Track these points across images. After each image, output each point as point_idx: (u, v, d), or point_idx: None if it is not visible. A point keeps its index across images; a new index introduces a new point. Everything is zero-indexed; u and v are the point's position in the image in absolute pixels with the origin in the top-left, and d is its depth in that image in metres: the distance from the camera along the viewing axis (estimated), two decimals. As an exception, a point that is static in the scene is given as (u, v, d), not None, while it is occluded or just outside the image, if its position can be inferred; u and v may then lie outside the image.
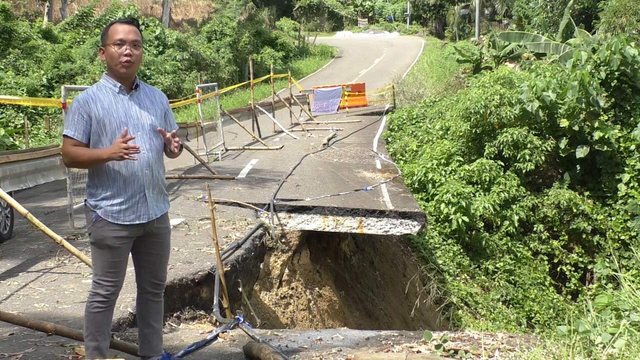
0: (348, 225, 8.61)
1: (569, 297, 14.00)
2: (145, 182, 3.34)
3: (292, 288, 8.29)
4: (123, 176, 3.28)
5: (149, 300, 3.52)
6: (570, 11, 26.75)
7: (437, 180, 14.34)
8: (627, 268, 13.42)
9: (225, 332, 4.46)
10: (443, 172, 14.70)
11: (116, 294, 3.37)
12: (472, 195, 13.80)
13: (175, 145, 3.39)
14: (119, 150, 3.15)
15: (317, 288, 8.92)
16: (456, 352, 3.80)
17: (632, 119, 15.07)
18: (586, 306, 10.57)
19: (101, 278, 3.31)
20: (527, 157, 14.53)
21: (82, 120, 3.24)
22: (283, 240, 8.35)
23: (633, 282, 11.84)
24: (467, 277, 13.12)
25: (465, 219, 13.06)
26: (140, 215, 3.33)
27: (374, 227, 8.62)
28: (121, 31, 3.31)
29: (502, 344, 3.98)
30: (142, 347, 3.56)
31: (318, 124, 21.09)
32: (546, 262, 14.07)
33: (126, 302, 4.74)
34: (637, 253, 12.22)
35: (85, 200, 3.38)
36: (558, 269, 14.25)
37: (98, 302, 3.31)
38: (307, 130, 19.01)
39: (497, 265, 13.46)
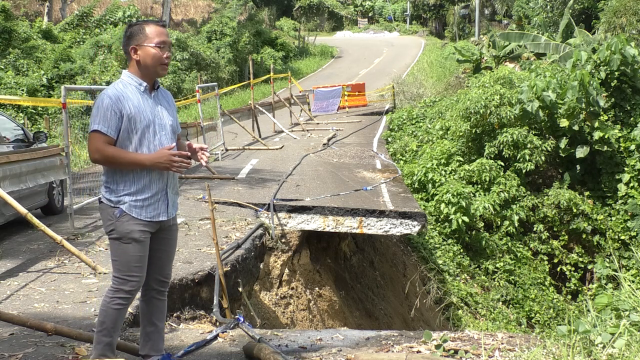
0: (348, 225, 8.61)
1: (569, 297, 14.00)
2: (168, 182, 3.43)
3: (292, 288, 8.29)
4: (149, 174, 3.33)
5: (154, 298, 3.53)
6: (570, 11, 26.75)
7: (437, 180, 14.34)
8: (627, 268, 13.42)
9: (225, 332, 4.46)
10: (443, 172, 14.69)
11: (138, 289, 3.41)
12: (472, 195, 13.80)
13: (206, 159, 3.51)
14: (168, 160, 3.23)
15: (317, 288, 8.92)
16: (456, 352, 3.81)
17: (632, 119, 15.06)
18: (586, 306, 10.56)
19: (126, 274, 3.32)
20: (527, 157, 14.53)
21: (114, 116, 3.23)
22: (283, 240, 8.35)
23: (633, 282, 11.84)
24: (467, 277, 13.12)
25: (465, 219, 13.06)
26: (160, 213, 3.39)
27: (374, 227, 8.62)
28: (162, 34, 3.35)
29: (502, 344, 3.98)
30: (144, 346, 3.56)
31: (318, 124, 21.09)
32: (546, 262, 14.07)
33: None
34: (637, 253, 12.21)
35: (101, 198, 3.37)
36: (558, 269, 14.24)
37: (121, 298, 3.32)
38: (307, 130, 19.01)
39: (497, 265, 13.46)
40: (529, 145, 14.65)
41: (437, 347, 3.86)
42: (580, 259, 14.21)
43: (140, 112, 3.29)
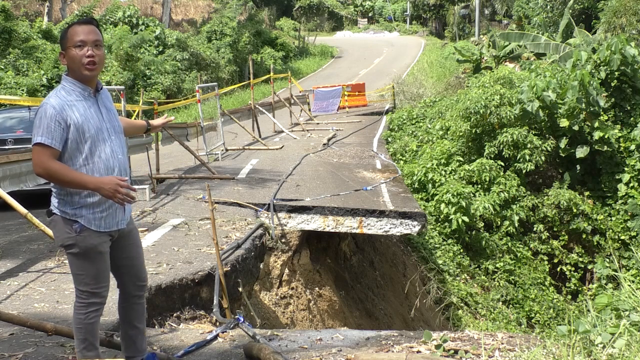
0: (348, 225, 8.61)
1: (569, 297, 14.00)
2: None
3: (292, 288, 8.29)
4: None
5: (135, 304, 3.47)
6: (570, 11, 26.74)
7: (437, 180, 14.34)
8: (627, 268, 13.42)
9: (225, 332, 4.46)
10: (443, 172, 14.69)
11: (107, 296, 3.35)
12: (472, 195, 13.80)
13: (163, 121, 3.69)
14: (112, 189, 3.05)
15: (317, 288, 8.92)
16: (456, 352, 3.80)
17: (632, 119, 15.06)
18: (586, 306, 10.56)
19: (96, 286, 3.22)
20: (527, 157, 14.53)
21: (59, 127, 3.05)
22: (283, 240, 8.35)
23: (633, 282, 11.84)
24: (467, 277, 13.12)
25: (465, 219, 13.06)
26: (119, 222, 3.29)
27: (374, 227, 8.62)
28: (81, 32, 3.16)
29: (502, 344, 3.98)
30: (128, 348, 3.52)
31: (318, 124, 21.09)
32: (546, 262, 14.07)
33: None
34: (637, 253, 12.21)
35: (52, 209, 3.20)
36: (558, 269, 14.24)
37: (94, 310, 3.23)
38: (307, 130, 19.01)
39: (497, 265, 13.46)
40: (529, 145, 14.65)
41: (437, 347, 3.86)
42: (580, 259, 14.21)
43: (88, 119, 3.13)
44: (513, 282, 13.34)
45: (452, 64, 34.93)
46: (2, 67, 22.35)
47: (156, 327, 4.83)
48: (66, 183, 3.09)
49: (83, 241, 3.15)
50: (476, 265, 13.40)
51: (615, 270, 12.13)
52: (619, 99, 15.32)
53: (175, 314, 5.15)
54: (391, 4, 68.82)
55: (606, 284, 13.03)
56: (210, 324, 5.16)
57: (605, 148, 14.61)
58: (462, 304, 12.15)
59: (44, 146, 3.04)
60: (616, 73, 15.13)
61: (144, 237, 6.92)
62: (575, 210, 14.15)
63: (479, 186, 14.47)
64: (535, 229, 14.33)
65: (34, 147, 3.08)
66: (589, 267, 14.20)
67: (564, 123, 14.70)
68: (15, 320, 4.15)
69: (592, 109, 14.68)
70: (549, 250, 14.21)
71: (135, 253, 3.46)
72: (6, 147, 9.02)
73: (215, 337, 4.34)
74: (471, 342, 4.03)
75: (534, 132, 15.18)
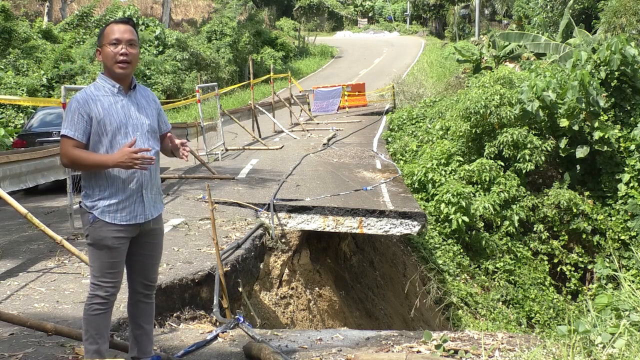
0: (348, 225, 8.61)
1: (569, 297, 14.00)
2: (144, 183, 3.34)
3: (292, 288, 8.29)
4: (122, 177, 3.27)
5: (140, 302, 3.51)
6: (570, 11, 26.74)
7: (437, 180, 14.34)
8: (627, 268, 13.42)
9: (225, 332, 4.46)
10: (443, 172, 14.69)
11: (115, 294, 3.35)
12: (472, 195, 13.80)
13: (185, 154, 3.48)
14: (129, 159, 3.14)
15: (317, 288, 8.92)
16: (456, 352, 3.80)
17: (632, 119, 15.06)
18: (586, 306, 10.56)
19: (100, 279, 3.29)
20: (527, 157, 14.53)
21: (82, 120, 3.21)
22: (283, 240, 8.35)
23: (633, 282, 11.84)
24: (467, 277, 13.12)
25: (465, 219, 13.06)
26: (136, 216, 3.33)
27: (374, 227, 8.62)
28: (117, 31, 3.29)
29: (502, 344, 3.98)
30: (132, 348, 3.55)
31: (318, 124, 21.09)
32: (546, 262, 14.07)
33: (125, 302, 4.73)
34: (637, 253, 12.21)
35: (80, 202, 3.36)
36: (558, 269, 14.24)
37: (98, 303, 3.28)
38: (307, 130, 19.01)
39: (497, 265, 13.46)
40: (529, 145, 14.65)
41: (437, 347, 3.86)
42: (580, 259, 14.21)
43: (110, 114, 3.25)
44: (513, 282, 13.34)
45: (452, 64, 34.93)
46: (2, 67, 22.35)
47: (156, 327, 4.83)
48: (88, 167, 3.24)
49: (94, 232, 3.27)
50: (476, 265, 13.40)
51: (615, 270, 12.14)
52: (619, 99, 15.32)
53: (175, 314, 5.15)
54: (391, 4, 68.82)
55: (606, 284, 13.02)
56: (210, 324, 5.16)
57: (605, 148, 14.61)
58: (462, 304, 12.15)
59: (67, 138, 3.22)
60: (616, 73, 15.13)
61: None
62: (575, 210, 14.14)
63: (479, 186, 14.46)
64: (535, 229, 14.33)
65: (60, 139, 3.26)
66: (589, 267, 14.20)
67: (564, 123, 14.70)
68: (15, 320, 4.14)
69: (592, 109, 14.68)
70: (549, 250, 14.20)
71: (151, 252, 3.49)
72: (51, 138, 10.32)
73: (215, 337, 4.34)
74: (471, 342, 4.03)
75: (534, 132, 15.17)
